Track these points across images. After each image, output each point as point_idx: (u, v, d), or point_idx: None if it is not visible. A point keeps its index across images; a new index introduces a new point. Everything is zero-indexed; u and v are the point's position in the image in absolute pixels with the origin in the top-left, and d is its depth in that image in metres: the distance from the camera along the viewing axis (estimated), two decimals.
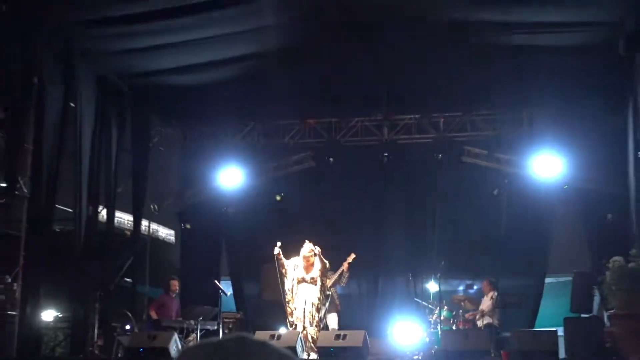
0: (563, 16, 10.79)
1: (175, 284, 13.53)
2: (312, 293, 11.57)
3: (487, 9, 10.78)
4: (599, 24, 10.91)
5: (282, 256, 11.60)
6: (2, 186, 10.76)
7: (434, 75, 12.78)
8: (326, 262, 11.66)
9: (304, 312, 11.52)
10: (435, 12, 11.04)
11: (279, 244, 11.54)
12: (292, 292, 11.61)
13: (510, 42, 11.65)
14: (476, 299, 13.81)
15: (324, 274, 11.65)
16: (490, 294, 13.32)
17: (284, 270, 11.64)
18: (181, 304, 13.77)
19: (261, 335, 10.93)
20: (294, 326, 11.50)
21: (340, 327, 12.79)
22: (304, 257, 11.59)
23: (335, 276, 12.78)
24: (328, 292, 11.86)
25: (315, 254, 11.60)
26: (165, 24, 11.01)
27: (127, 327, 12.49)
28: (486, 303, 13.35)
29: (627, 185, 11.52)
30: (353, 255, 12.66)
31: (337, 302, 13.28)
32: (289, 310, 11.61)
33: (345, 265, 12.69)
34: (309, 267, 11.62)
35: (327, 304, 11.88)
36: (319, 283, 11.57)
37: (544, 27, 11.11)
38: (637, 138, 10.74)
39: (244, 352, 1.73)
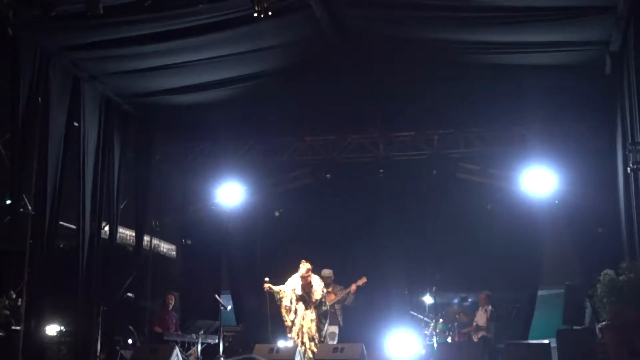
0: (552, 36, 10.99)
1: (171, 298, 13.80)
2: (310, 310, 12.03)
3: (478, 30, 11.01)
4: (586, 43, 11.13)
5: (272, 288, 12.06)
6: (7, 203, 11.00)
7: (428, 93, 13.06)
8: (323, 290, 12.14)
9: (303, 328, 11.93)
10: (428, 32, 11.29)
11: (266, 279, 12.00)
12: (291, 311, 12.04)
13: (501, 62, 11.92)
14: (470, 312, 14.07)
15: (321, 294, 12.10)
16: (486, 307, 13.54)
17: (279, 300, 12.11)
18: (182, 317, 14.05)
19: (261, 349, 11.36)
20: (293, 341, 11.87)
21: (339, 340, 13.13)
22: (302, 277, 12.06)
23: (343, 294, 13.45)
24: (325, 308, 12.20)
25: (311, 273, 12.09)
26: (166, 46, 11.27)
27: (130, 340, 12.67)
28: (481, 316, 13.57)
29: (617, 200, 11.62)
30: (364, 279, 13.38)
31: (340, 318, 13.62)
32: (288, 325, 12.01)
33: (353, 287, 13.40)
34: (306, 285, 12.07)
35: (327, 320, 12.23)
36: (317, 300, 12.01)
37: (533, 46, 11.34)
38: (625, 154, 10.79)
39: None
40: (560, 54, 11.48)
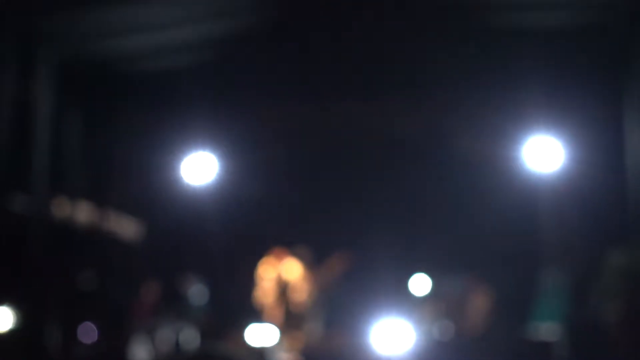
0: None
1: (153, 290, 13.76)
2: (292, 296, 12.54)
3: None
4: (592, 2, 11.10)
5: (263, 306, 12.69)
6: None
7: (419, 58, 12.88)
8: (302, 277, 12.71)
9: (285, 314, 12.45)
10: None
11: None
12: (270, 294, 12.63)
13: (497, 25, 12.00)
14: (464, 298, 13.67)
15: (303, 279, 12.70)
16: (480, 291, 13.31)
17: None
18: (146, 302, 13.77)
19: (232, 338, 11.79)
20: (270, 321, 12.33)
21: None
22: (277, 267, 12.73)
23: (317, 276, 13.27)
24: (308, 295, 12.71)
25: (287, 259, 12.77)
26: (132, 6, 10.96)
27: (88, 330, 12.37)
28: (476, 303, 13.31)
29: (625, 175, 11.56)
30: (340, 261, 13.47)
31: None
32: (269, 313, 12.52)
33: (327, 270, 13.38)
34: (281, 275, 12.66)
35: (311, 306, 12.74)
36: (299, 286, 12.58)
37: (532, 6, 11.40)
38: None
39: None
40: (564, 14, 11.49)
